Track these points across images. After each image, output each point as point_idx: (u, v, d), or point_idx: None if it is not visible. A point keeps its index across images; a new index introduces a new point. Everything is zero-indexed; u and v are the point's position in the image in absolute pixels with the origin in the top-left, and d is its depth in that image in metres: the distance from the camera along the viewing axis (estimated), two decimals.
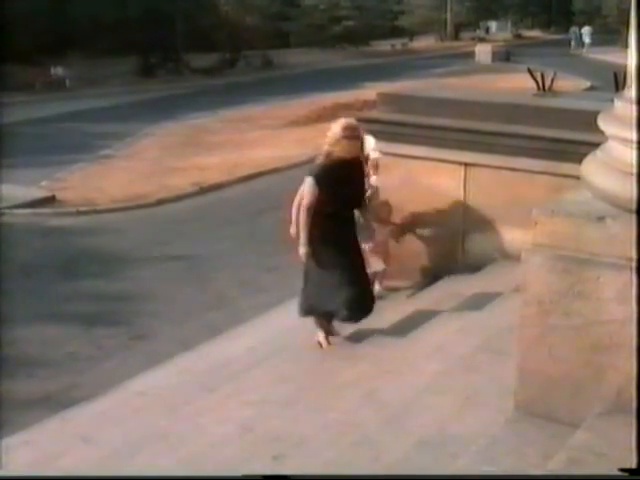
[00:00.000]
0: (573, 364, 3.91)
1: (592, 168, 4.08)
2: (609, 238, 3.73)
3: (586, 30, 58.61)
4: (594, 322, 3.78)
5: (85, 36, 39.89)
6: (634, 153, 3.69)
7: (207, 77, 40.76)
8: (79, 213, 15.78)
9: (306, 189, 6.66)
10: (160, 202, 16.57)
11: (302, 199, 6.69)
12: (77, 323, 9.92)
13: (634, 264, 3.61)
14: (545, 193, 6.67)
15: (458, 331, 6.61)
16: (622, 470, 3.23)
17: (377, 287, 7.92)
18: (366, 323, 7.10)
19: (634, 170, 3.67)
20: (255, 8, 48.80)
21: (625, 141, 3.78)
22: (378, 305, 7.49)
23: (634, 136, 3.69)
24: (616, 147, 3.89)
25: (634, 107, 3.71)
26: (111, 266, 12.33)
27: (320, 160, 6.79)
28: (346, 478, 4.50)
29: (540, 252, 3.93)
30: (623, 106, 3.91)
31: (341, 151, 6.63)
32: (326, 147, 6.73)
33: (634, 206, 3.64)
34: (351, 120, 6.83)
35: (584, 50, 55.23)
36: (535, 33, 74.76)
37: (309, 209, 6.62)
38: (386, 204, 7.92)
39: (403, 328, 6.96)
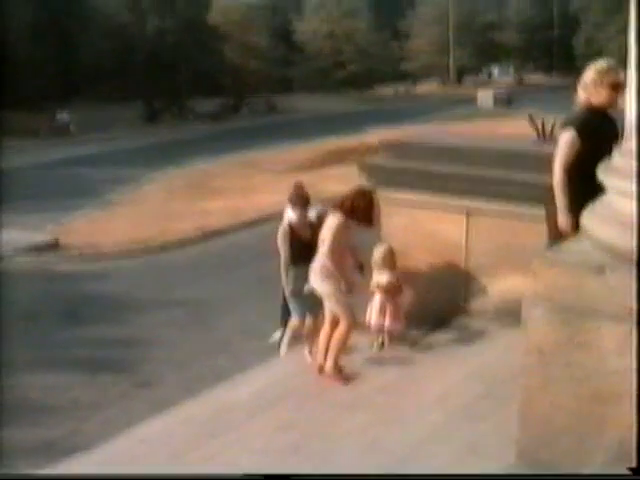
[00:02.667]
0: (575, 414, 3.92)
1: (592, 218, 4.12)
2: (609, 289, 3.75)
3: None
4: (595, 373, 3.80)
5: (90, 82, 40.39)
6: (634, 204, 3.72)
7: (211, 122, 41.10)
8: (83, 258, 15.84)
9: (564, 143, 5.77)
10: (164, 247, 16.63)
11: (558, 159, 5.75)
12: (81, 369, 9.92)
13: (634, 316, 3.63)
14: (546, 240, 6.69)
15: (461, 379, 6.61)
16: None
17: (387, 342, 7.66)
18: (368, 372, 7.12)
19: (634, 221, 3.70)
20: (259, 53, 49.26)
21: (624, 193, 3.82)
22: (380, 352, 7.50)
23: (634, 187, 3.72)
24: (615, 199, 3.93)
25: (634, 163, 3.74)
26: (115, 312, 12.34)
27: (576, 110, 5.98)
28: (346, 478, 4.49)
29: (540, 302, 3.95)
30: (622, 159, 3.96)
31: (597, 99, 5.83)
32: (580, 94, 5.92)
33: (634, 256, 3.66)
34: (610, 64, 5.95)
35: None
36: (537, 77, 75.30)
37: (567, 168, 5.73)
38: (391, 252, 7.79)
39: (405, 376, 6.96)
